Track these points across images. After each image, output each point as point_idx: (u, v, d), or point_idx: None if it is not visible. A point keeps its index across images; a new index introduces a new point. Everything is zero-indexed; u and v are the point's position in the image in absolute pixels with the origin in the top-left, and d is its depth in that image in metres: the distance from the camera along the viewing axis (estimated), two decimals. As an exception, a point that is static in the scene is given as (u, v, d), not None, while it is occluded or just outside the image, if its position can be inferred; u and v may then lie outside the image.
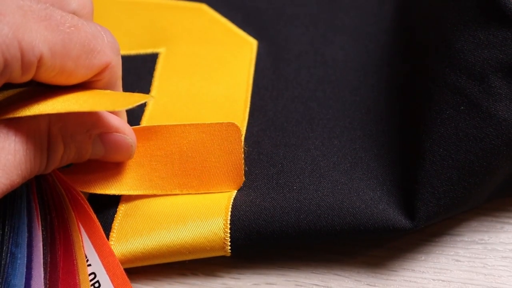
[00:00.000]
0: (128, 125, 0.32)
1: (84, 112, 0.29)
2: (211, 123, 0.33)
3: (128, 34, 0.41)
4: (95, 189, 0.32)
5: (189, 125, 0.33)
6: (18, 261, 0.27)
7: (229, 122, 0.33)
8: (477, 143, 0.30)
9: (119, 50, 0.30)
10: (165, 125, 0.33)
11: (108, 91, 0.30)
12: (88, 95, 0.28)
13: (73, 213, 0.31)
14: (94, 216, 0.31)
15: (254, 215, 0.32)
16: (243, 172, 0.33)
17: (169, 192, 0.33)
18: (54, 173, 0.31)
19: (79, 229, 0.31)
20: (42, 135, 0.27)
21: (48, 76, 0.27)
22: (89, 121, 0.30)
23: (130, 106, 0.28)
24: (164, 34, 0.41)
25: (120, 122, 0.31)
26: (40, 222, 0.29)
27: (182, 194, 0.33)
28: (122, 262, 0.31)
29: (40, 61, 0.26)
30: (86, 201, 0.32)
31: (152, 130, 0.33)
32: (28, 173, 0.27)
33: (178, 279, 0.33)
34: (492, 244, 0.34)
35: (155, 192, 0.33)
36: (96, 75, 0.29)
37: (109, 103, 0.28)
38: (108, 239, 0.32)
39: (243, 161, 0.33)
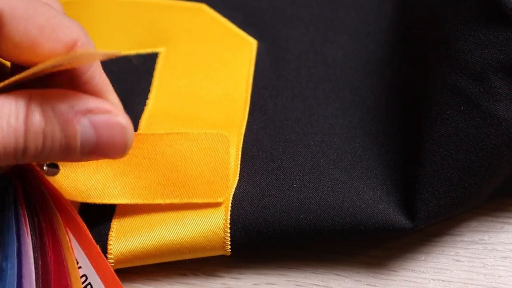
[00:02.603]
0: (122, 109, 0.29)
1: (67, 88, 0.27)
2: (200, 133, 0.33)
3: (128, 34, 0.41)
4: (77, 198, 0.32)
5: (176, 133, 0.33)
6: (8, 272, 0.27)
7: (218, 132, 0.33)
8: (478, 143, 0.30)
9: (87, 34, 0.28)
10: (152, 134, 0.33)
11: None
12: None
13: (58, 215, 0.30)
14: (79, 218, 0.31)
15: (254, 214, 0.32)
16: (228, 183, 0.32)
17: (151, 202, 0.32)
18: (37, 176, 0.30)
19: (67, 232, 0.30)
20: (19, 105, 0.25)
21: (13, 43, 0.25)
22: (73, 96, 0.27)
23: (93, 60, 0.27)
24: (164, 34, 0.41)
25: (111, 105, 0.28)
26: (28, 229, 0.29)
27: (164, 203, 0.32)
28: (122, 261, 0.31)
29: (1, 19, 0.24)
30: (70, 204, 0.31)
31: (139, 138, 0.32)
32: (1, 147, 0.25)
33: (178, 279, 0.33)
34: (492, 244, 0.34)
35: (137, 201, 0.32)
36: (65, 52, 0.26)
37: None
38: (107, 238, 0.32)
39: (229, 171, 0.32)
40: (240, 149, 0.35)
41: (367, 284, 0.32)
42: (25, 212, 0.29)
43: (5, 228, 0.28)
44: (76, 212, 0.31)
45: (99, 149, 0.28)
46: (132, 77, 0.39)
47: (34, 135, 0.26)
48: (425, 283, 0.32)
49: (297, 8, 0.41)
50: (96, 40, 0.41)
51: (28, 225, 0.29)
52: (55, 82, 0.28)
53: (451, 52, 0.32)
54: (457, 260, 0.33)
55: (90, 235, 0.31)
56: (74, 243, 0.30)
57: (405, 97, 0.36)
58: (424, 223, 0.31)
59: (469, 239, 0.34)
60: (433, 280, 0.32)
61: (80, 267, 0.30)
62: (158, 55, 0.40)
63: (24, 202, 0.29)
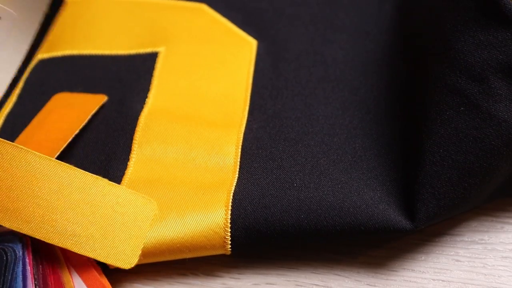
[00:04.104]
0: None
1: None
2: None
3: (128, 33, 0.41)
4: None
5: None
6: None
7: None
8: (477, 144, 0.30)
9: None
10: None
11: None
12: None
13: (61, 257, 0.30)
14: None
15: (254, 214, 0.32)
16: None
17: None
18: None
19: (69, 271, 0.30)
20: None
21: None
22: None
23: None
24: (164, 33, 0.41)
25: None
26: (34, 282, 0.29)
27: None
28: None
29: None
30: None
31: None
32: None
33: (178, 279, 0.33)
34: (492, 244, 0.34)
35: None
36: None
37: None
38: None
39: None
40: (240, 147, 0.35)
41: (367, 284, 0.32)
42: (32, 265, 0.29)
43: (13, 285, 0.28)
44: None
45: None
46: (132, 76, 0.39)
47: None
48: (425, 283, 0.32)
49: (297, 8, 0.41)
50: (96, 40, 0.41)
51: (33, 278, 0.29)
52: None
53: (450, 52, 0.31)
54: (457, 260, 0.33)
55: (94, 271, 0.31)
56: (76, 279, 0.30)
57: (405, 97, 0.36)
58: (424, 224, 0.31)
59: (469, 239, 0.34)
60: (433, 280, 0.32)
61: None
62: (158, 54, 0.40)
63: (32, 255, 0.30)
